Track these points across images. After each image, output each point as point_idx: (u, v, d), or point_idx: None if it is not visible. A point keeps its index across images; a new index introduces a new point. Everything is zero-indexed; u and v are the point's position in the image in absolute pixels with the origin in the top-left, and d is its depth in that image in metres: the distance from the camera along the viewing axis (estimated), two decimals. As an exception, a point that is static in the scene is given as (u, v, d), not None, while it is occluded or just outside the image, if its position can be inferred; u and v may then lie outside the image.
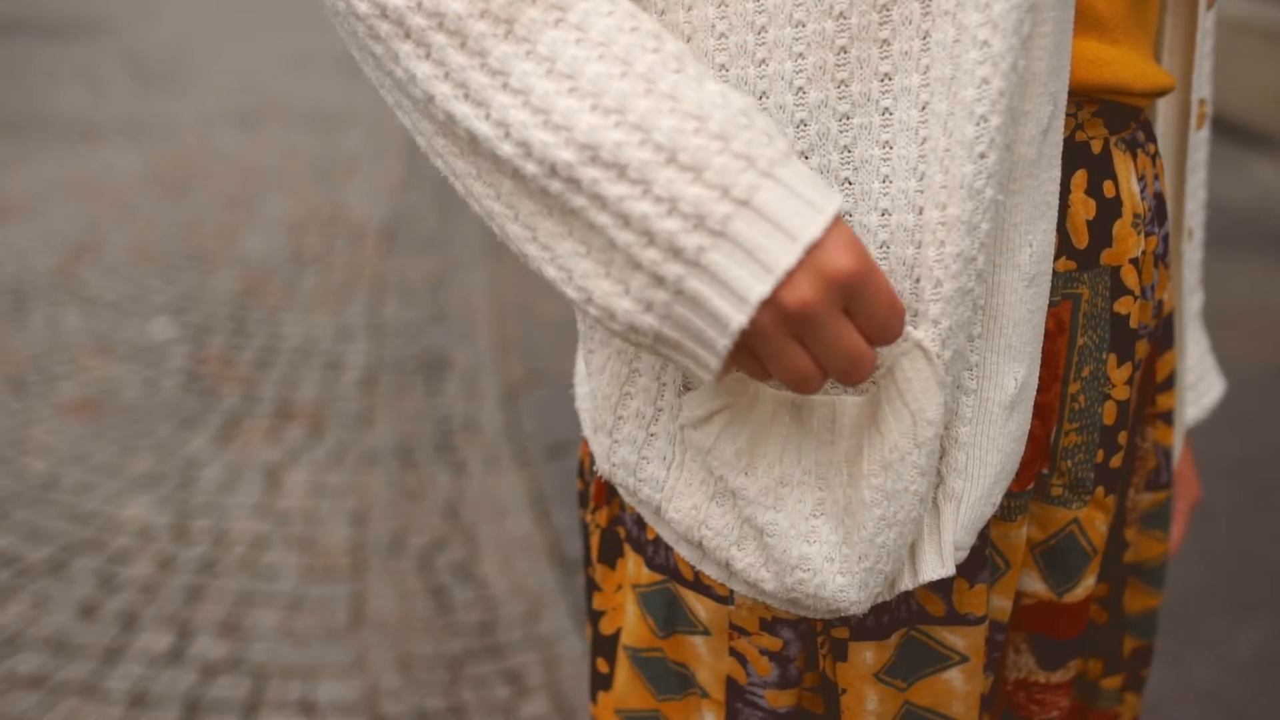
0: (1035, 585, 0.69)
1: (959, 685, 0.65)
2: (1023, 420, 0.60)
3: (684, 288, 0.49)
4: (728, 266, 0.48)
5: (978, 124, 0.52)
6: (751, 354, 0.52)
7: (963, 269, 0.54)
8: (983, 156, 0.52)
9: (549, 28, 0.50)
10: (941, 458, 0.59)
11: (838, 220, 0.50)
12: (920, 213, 0.54)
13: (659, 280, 0.49)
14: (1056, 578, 0.69)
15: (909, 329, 0.55)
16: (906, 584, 0.60)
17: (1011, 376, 0.58)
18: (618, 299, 0.51)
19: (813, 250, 0.49)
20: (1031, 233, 0.56)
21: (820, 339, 0.50)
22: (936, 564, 0.59)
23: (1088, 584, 0.70)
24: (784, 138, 0.50)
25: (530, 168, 0.50)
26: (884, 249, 0.56)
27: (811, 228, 0.48)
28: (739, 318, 0.48)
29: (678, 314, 0.50)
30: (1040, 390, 0.64)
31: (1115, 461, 0.68)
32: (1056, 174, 0.57)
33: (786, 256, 0.48)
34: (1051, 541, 0.68)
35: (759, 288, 0.48)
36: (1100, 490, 0.68)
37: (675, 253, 0.48)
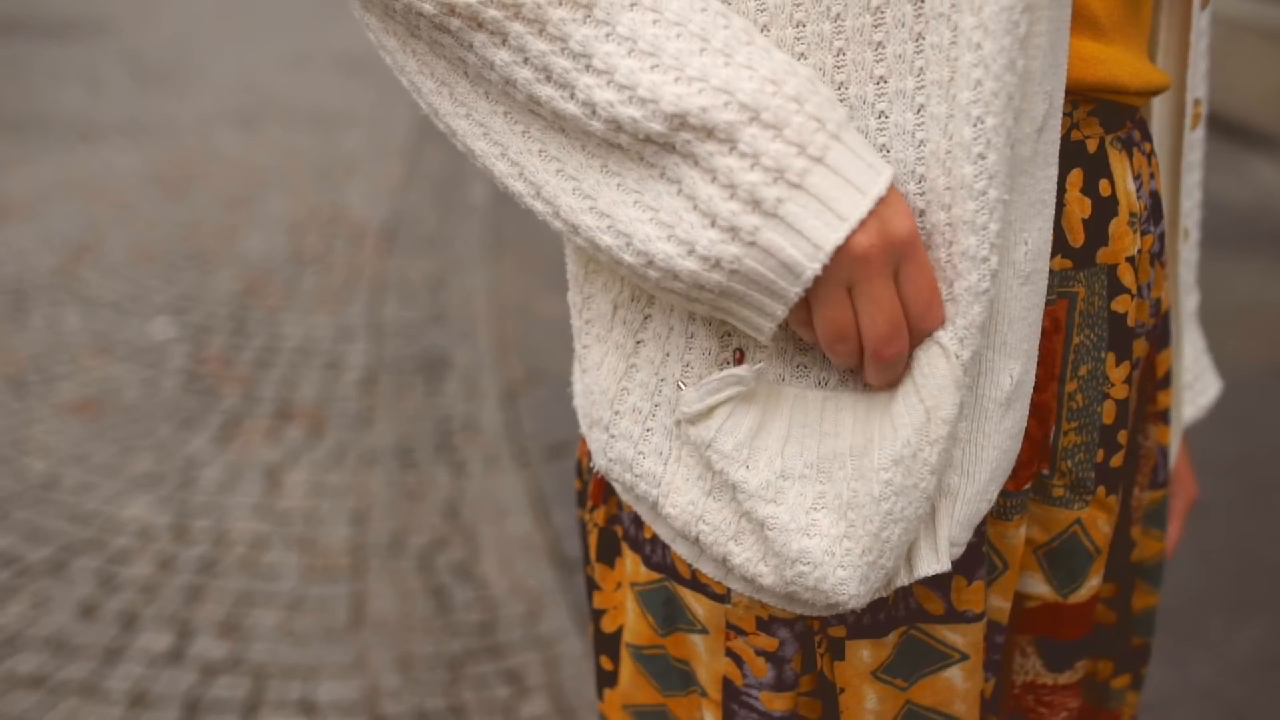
0: (1039, 587, 0.69)
1: (959, 683, 0.65)
2: (1019, 418, 0.60)
3: (759, 239, 0.52)
4: (804, 216, 0.52)
5: (974, 125, 0.52)
6: (803, 304, 0.55)
7: (972, 268, 0.54)
8: (981, 157, 0.53)
9: (626, 10, 0.52)
10: None
11: (893, 184, 0.54)
12: (922, 215, 0.55)
13: (734, 232, 0.52)
14: (1060, 579, 0.69)
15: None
16: (903, 580, 0.60)
17: (1007, 374, 0.58)
18: (681, 260, 0.54)
19: (879, 205, 0.52)
20: (1027, 230, 0.57)
21: (870, 294, 0.54)
22: (932, 560, 0.59)
23: (1092, 584, 0.70)
24: (842, 105, 0.54)
25: (623, 139, 0.53)
26: None
27: (877, 185, 0.52)
28: (813, 265, 0.52)
29: (748, 267, 0.53)
30: (1036, 389, 0.64)
31: (1116, 461, 0.68)
32: (1053, 172, 0.57)
33: (858, 208, 0.52)
34: (1054, 543, 0.68)
35: (833, 235, 0.52)
36: (1102, 490, 0.68)
37: (755, 204, 0.52)
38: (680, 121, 0.52)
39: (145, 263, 3.62)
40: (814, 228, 0.52)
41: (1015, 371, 0.58)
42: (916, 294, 0.55)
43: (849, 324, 0.55)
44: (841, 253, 0.52)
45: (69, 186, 4.25)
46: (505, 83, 0.55)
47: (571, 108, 0.53)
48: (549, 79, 0.53)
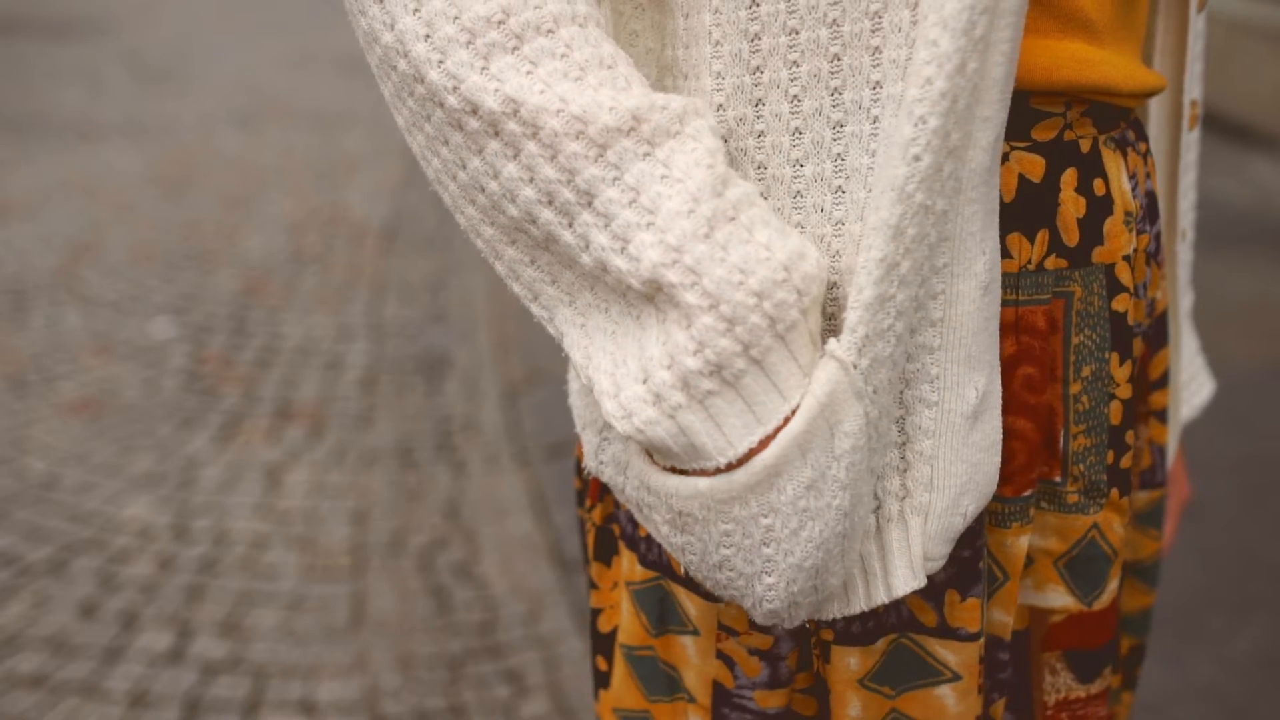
0: (1063, 599, 0.68)
1: (951, 705, 0.64)
2: (988, 429, 0.59)
3: (678, 416, 0.52)
4: (727, 414, 0.52)
5: (916, 125, 0.51)
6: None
7: (885, 275, 0.52)
8: (916, 159, 0.51)
9: (638, 159, 0.52)
10: (906, 472, 0.58)
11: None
12: (861, 221, 0.54)
13: (657, 399, 0.52)
14: (1083, 587, 0.68)
15: (831, 340, 0.54)
16: (881, 598, 0.59)
17: (972, 386, 0.57)
18: (606, 398, 0.54)
19: (792, 414, 0.53)
20: (986, 240, 0.56)
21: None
22: (909, 576, 0.59)
23: (1112, 589, 0.69)
24: (820, 282, 0.53)
25: (609, 279, 0.54)
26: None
27: (797, 394, 0.53)
28: (720, 459, 0.53)
29: (657, 435, 0.53)
30: (1036, 391, 0.63)
31: (1125, 461, 0.68)
32: (996, 180, 0.56)
33: (776, 413, 0.52)
34: (1074, 551, 0.67)
35: (748, 437, 0.52)
36: (1115, 492, 0.67)
37: (685, 386, 0.52)
38: (656, 288, 0.52)
39: (145, 262, 3.63)
40: (733, 426, 0.52)
41: (980, 384, 0.57)
42: None
43: None
44: (749, 453, 0.53)
45: (69, 186, 4.25)
46: (504, 194, 0.55)
47: (568, 236, 0.54)
48: (551, 203, 0.53)
